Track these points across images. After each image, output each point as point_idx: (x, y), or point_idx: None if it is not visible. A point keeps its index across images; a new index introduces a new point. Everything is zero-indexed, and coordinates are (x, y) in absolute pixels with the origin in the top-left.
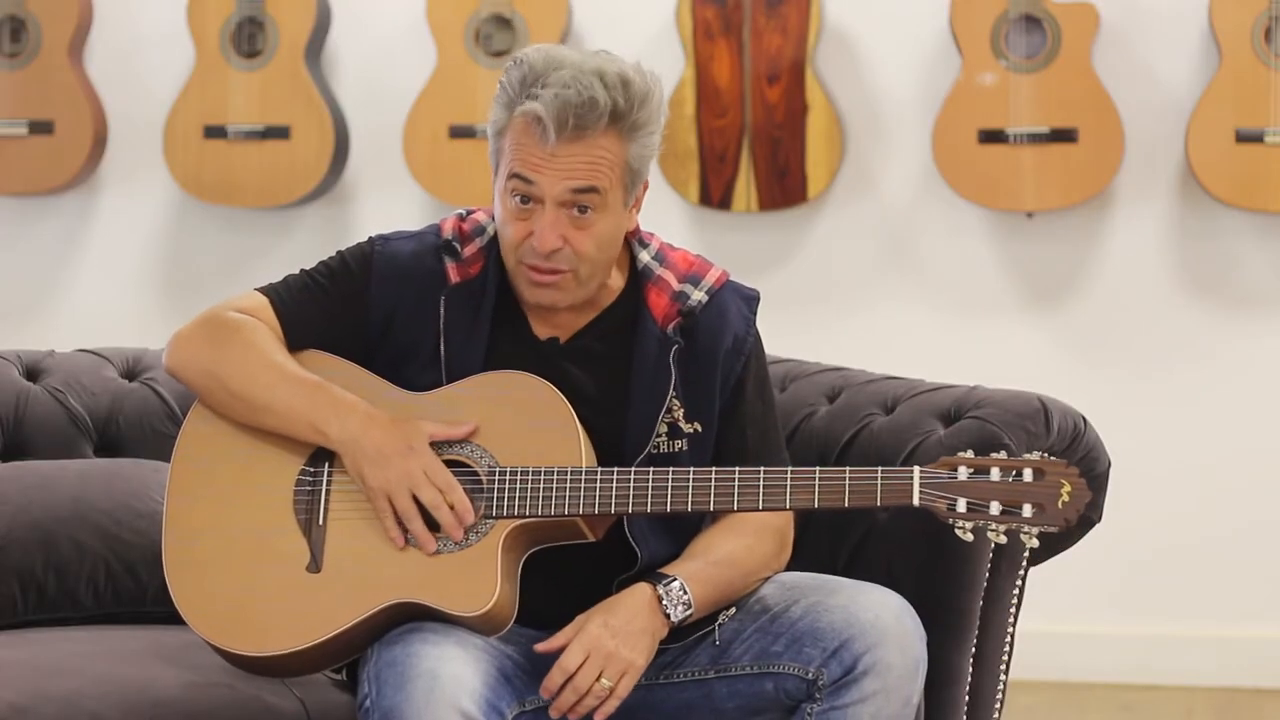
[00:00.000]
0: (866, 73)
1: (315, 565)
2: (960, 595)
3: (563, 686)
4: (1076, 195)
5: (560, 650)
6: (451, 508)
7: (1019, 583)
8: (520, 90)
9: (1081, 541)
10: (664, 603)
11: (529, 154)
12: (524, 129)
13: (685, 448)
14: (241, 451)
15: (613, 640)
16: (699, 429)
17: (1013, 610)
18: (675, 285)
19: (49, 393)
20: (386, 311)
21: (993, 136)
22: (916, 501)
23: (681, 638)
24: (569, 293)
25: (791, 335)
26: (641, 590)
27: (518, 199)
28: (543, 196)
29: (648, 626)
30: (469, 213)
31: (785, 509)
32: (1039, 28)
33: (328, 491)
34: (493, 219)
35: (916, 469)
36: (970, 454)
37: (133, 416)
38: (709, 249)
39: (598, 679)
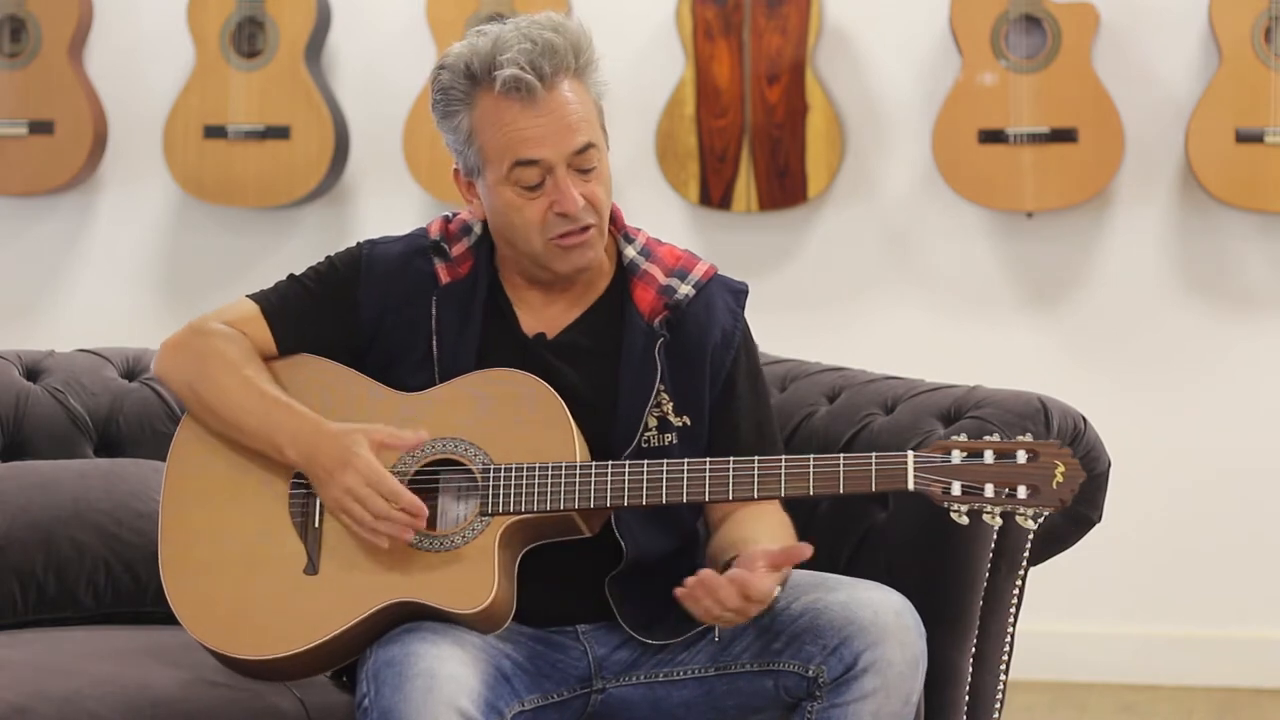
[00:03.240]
0: (866, 73)
1: (312, 567)
2: (960, 595)
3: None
4: (1076, 195)
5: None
6: (406, 511)
7: (1019, 583)
8: (471, 84)
9: (1081, 541)
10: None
11: (522, 130)
12: (504, 107)
13: (675, 441)
14: (235, 454)
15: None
16: (688, 422)
17: (1013, 610)
18: (662, 279)
19: (49, 393)
20: (376, 313)
21: (993, 136)
22: (911, 486)
23: (681, 633)
24: (596, 248)
25: (791, 335)
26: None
27: (521, 186)
28: (552, 166)
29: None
30: (454, 214)
31: (780, 496)
32: (1039, 28)
33: None
34: (478, 219)
35: (910, 453)
36: (964, 437)
37: (133, 416)
38: (709, 249)
39: (737, 612)
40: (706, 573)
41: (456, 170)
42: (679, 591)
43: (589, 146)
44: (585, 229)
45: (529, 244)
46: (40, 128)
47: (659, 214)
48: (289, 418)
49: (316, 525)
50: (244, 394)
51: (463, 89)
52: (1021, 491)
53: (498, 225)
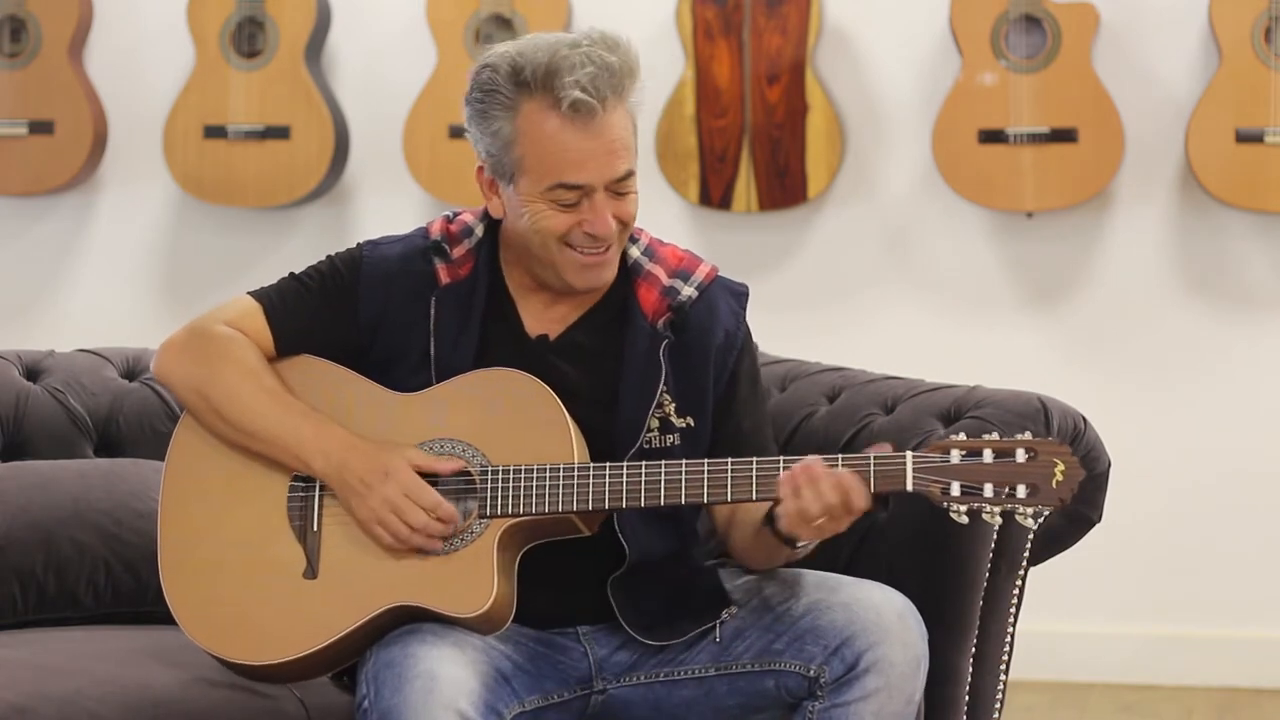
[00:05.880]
0: (866, 73)
1: (311, 572)
2: (960, 595)
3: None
4: (1076, 195)
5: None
6: (441, 520)
7: (1019, 583)
8: (518, 91)
9: (1081, 541)
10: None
11: (570, 153)
12: (555, 125)
13: (677, 442)
14: (233, 459)
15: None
16: (691, 424)
17: (1013, 610)
18: (665, 280)
19: (49, 393)
20: (375, 314)
21: (993, 136)
22: (910, 486)
23: (683, 634)
24: (613, 267)
25: (791, 335)
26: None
27: (557, 203)
28: (593, 190)
29: None
30: (455, 214)
31: (777, 498)
32: (1039, 28)
33: (321, 497)
34: (480, 220)
35: (909, 453)
36: (963, 436)
37: (133, 416)
38: (709, 249)
39: (828, 515)
40: (812, 459)
41: (480, 168)
42: (783, 477)
43: (629, 174)
44: (607, 248)
45: (547, 251)
46: (40, 128)
47: (658, 214)
48: (315, 431)
49: (315, 529)
50: (263, 404)
51: (508, 94)
52: (1021, 490)
53: (520, 229)
